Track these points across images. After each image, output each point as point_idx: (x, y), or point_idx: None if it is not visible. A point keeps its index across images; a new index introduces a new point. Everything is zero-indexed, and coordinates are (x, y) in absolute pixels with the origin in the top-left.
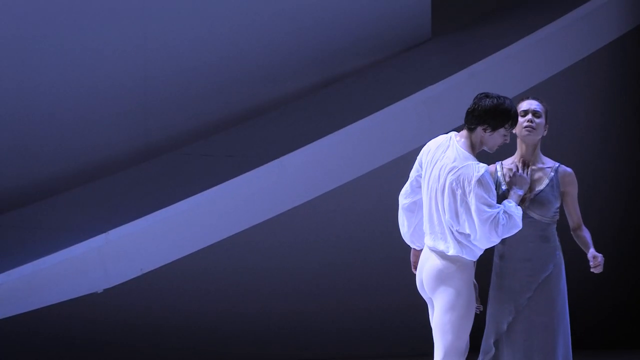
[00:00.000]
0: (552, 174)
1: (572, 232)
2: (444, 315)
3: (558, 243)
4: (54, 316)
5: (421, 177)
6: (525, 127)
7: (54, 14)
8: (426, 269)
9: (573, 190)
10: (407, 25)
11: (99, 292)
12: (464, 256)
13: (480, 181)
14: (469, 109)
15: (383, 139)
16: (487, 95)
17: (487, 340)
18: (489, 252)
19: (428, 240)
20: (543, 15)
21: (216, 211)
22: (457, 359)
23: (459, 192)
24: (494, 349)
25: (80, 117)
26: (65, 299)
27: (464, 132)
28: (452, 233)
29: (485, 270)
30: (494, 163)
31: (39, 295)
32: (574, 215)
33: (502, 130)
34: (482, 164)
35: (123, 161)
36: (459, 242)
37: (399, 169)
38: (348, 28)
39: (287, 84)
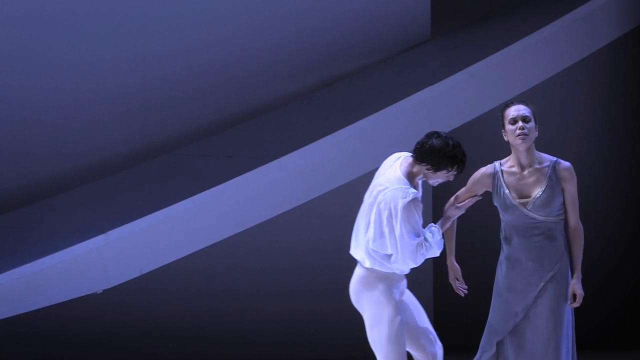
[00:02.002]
0: (550, 171)
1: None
2: (372, 331)
3: (565, 242)
4: (54, 316)
5: None
6: (518, 135)
7: (54, 14)
8: (352, 280)
9: (571, 186)
10: (406, 25)
11: (98, 292)
12: (378, 268)
13: (406, 208)
14: (418, 142)
15: (383, 140)
16: (438, 136)
17: (490, 339)
18: (494, 252)
19: (352, 249)
20: (543, 15)
21: (216, 211)
22: None
23: (385, 213)
24: (495, 348)
25: (80, 118)
26: (65, 300)
27: (411, 159)
28: (366, 250)
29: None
30: (492, 163)
31: (39, 295)
32: (571, 213)
33: (444, 172)
34: (412, 190)
35: (123, 161)
36: (373, 257)
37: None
38: (348, 29)
39: (286, 84)
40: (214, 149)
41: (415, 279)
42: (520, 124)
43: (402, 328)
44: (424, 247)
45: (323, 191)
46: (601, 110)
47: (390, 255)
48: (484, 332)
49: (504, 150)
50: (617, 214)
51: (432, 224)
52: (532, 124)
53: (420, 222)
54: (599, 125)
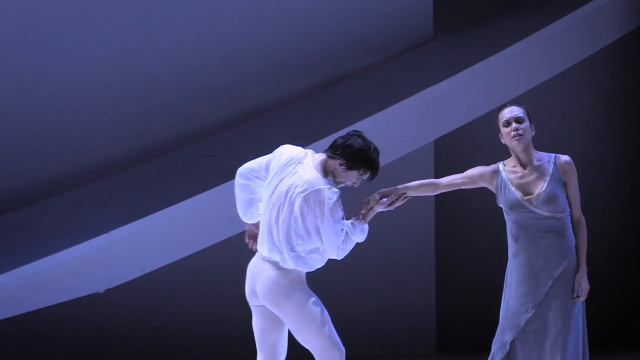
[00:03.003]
0: (551, 166)
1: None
2: (304, 334)
3: (573, 238)
4: (56, 316)
5: (265, 178)
6: (514, 136)
7: (55, 15)
8: (261, 280)
9: (573, 179)
10: (409, 25)
11: (100, 292)
12: (299, 269)
13: (332, 209)
14: (338, 138)
15: (385, 139)
16: (360, 136)
17: (502, 337)
18: (495, 253)
19: (264, 250)
20: (544, 16)
21: (218, 211)
22: (339, 357)
23: (310, 216)
24: (508, 347)
25: (81, 118)
26: (67, 299)
27: (323, 155)
28: (291, 248)
29: (490, 270)
30: (496, 163)
31: (41, 295)
32: (574, 206)
33: (355, 173)
34: (334, 189)
35: (125, 161)
36: (297, 255)
37: (401, 169)
38: (350, 29)
39: (289, 84)
40: (217, 149)
41: (416, 279)
42: (514, 125)
43: (324, 309)
44: (345, 242)
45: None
46: (602, 110)
47: (316, 249)
48: (498, 331)
49: (505, 150)
50: (618, 214)
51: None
52: (526, 123)
53: (342, 214)
54: (600, 125)
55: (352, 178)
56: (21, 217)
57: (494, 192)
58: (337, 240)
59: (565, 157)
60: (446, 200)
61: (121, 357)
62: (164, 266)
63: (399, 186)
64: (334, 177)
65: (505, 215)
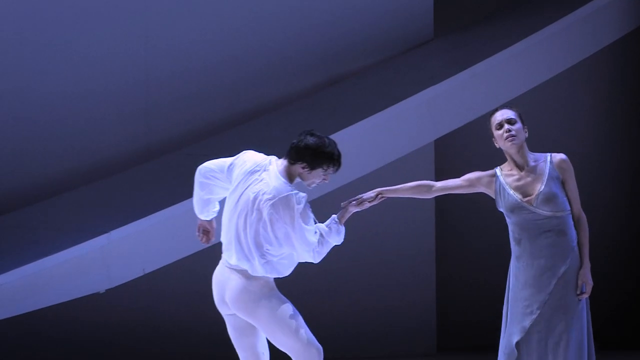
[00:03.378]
0: (548, 165)
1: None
2: (279, 338)
3: (575, 236)
4: (56, 316)
5: (224, 180)
6: (507, 138)
7: (56, 15)
8: (230, 289)
9: (570, 176)
10: (409, 25)
11: (101, 292)
12: (268, 275)
13: (302, 214)
14: (293, 143)
15: (385, 139)
16: (312, 134)
17: (509, 340)
18: (496, 253)
19: (231, 259)
20: (545, 15)
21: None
22: (317, 356)
23: (279, 222)
24: (516, 352)
25: (82, 118)
26: (67, 299)
27: (285, 162)
28: (262, 255)
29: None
30: (493, 169)
31: (41, 295)
32: (573, 203)
33: (320, 170)
34: (301, 194)
35: (125, 162)
36: (267, 262)
37: (401, 169)
38: (350, 28)
39: (289, 84)
40: (217, 149)
41: (416, 279)
42: (506, 126)
43: (296, 311)
44: (321, 244)
45: (325, 191)
46: (602, 110)
47: (287, 255)
48: (502, 337)
49: (499, 157)
50: (618, 214)
51: (334, 215)
52: (518, 125)
53: (313, 217)
54: (600, 125)
55: (319, 176)
56: (21, 217)
57: (493, 197)
58: (310, 244)
59: (560, 156)
60: (447, 201)
61: (121, 357)
62: (164, 266)
63: (392, 187)
64: (302, 180)
65: (507, 219)
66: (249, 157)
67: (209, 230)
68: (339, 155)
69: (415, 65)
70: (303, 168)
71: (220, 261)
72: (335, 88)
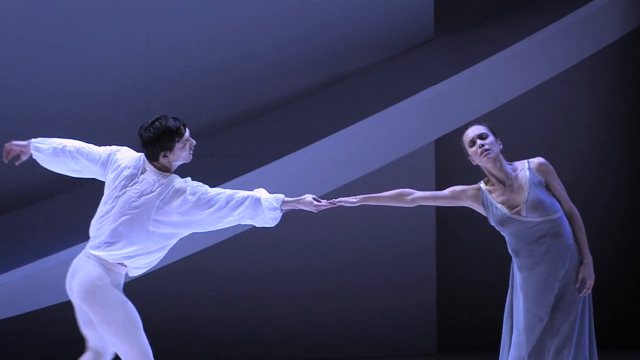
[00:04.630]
0: (527, 173)
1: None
2: (115, 339)
3: (571, 234)
4: (56, 316)
5: (103, 173)
6: (481, 153)
7: (56, 15)
8: (79, 277)
9: (552, 177)
10: (409, 25)
11: None
12: (135, 266)
13: (192, 190)
14: (142, 148)
15: (386, 139)
16: (143, 128)
17: (519, 352)
18: (497, 253)
19: (97, 250)
20: (545, 15)
21: None
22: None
23: (173, 213)
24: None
25: (82, 118)
26: (67, 299)
27: (152, 164)
28: (137, 251)
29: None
30: (477, 183)
31: (40, 295)
32: (562, 201)
33: (178, 145)
34: (182, 179)
35: None
36: (147, 252)
37: (402, 168)
38: (351, 28)
39: (290, 83)
40: (217, 149)
41: (417, 279)
42: (479, 142)
43: (138, 316)
44: (231, 208)
45: (326, 191)
46: (602, 110)
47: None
48: (513, 346)
49: (506, 150)
50: (619, 214)
51: (282, 196)
52: (490, 138)
53: (206, 188)
54: (600, 125)
55: (180, 152)
56: (21, 217)
57: (479, 211)
58: (215, 210)
59: (537, 160)
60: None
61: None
62: (163, 266)
63: (375, 194)
64: (177, 162)
65: (501, 232)
66: (124, 156)
67: (17, 152)
68: (175, 120)
69: (415, 65)
70: (164, 156)
71: (84, 250)
72: (334, 88)
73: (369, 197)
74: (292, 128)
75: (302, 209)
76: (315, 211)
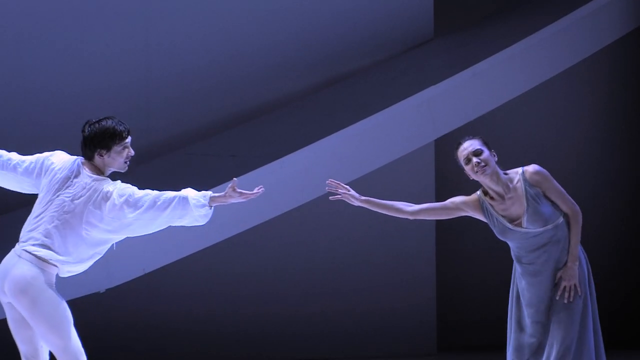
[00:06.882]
0: (524, 184)
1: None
2: (51, 339)
3: (568, 238)
4: None
5: (36, 176)
6: (477, 171)
7: (56, 15)
8: (13, 277)
9: (549, 184)
10: (409, 25)
11: (101, 292)
12: (66, 269)
13: (120, 191)
14: (82, 144)
15: (386, 139)
16: (88, 123)
17: (521, 356)
18: (498, 253)
19: (31, 246)
20: (545, 15)
21: (218, 211)
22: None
23: (104, 218)
24: None
25: (83, 117)
26: (67, 299)
27: (87, 163)
28: (71, 250)
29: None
30: (475, 193)
31: None
32: (563, 205)
33: (116, 148)
34: (115, 182)
35: None
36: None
37: (402, 168)
38: (351, 28)
39: (290, 83)
40: (218, 148)
41: (417, 279)
42: (474, 159)
43: (71, 317)
44: (166, 207)
45: (326, 190)
46: (603, 109)
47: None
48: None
49: (506, 150)
50: (619, 214)
51: (210, 193)
52: (485, 153)
53: (134, 190)
54: (601, 124)
55: (117, 156)
56: (21, 217)
57: (481, 219)
58: (143, 211)
59: (532, 168)
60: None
61: (121, 357)
62: (164, 266)
63: (380, 200)
64: (112, 166)
65: (503, 240)
66: (58, 159)
67: None
68: (119, 123)
69: (415, 65)
70: (100, 155)
71: (14, 248)
72: (336, 88)
73: (372, 201)
74: (292, 128)
75: (233, 202)
76: (245, 200)
